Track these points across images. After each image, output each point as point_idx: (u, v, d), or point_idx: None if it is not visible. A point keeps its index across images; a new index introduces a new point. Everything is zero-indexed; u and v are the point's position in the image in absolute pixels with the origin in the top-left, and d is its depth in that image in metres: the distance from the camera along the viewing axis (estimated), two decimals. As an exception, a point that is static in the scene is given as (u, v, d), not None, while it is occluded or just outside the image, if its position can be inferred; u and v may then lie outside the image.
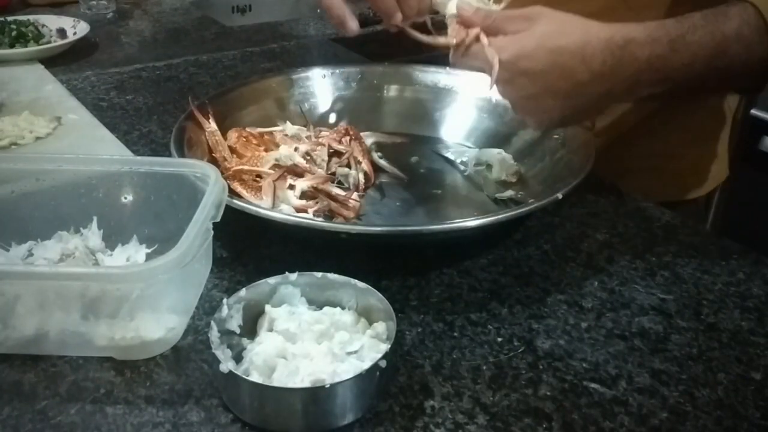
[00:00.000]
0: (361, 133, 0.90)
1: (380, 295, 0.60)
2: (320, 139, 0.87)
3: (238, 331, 0.59)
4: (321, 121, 0.97)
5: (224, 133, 0.86)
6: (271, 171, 0.79)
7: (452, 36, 0.75)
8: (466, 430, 0.54)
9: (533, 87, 0.71)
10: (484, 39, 0.72)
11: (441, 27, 0.78)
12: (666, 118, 0.95)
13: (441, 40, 0.76)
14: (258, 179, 0.79)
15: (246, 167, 0.80)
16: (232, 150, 0.84)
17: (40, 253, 0.68)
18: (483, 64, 0.72)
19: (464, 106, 0.97)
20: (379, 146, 0.92)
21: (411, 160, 0.92)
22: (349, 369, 0.54)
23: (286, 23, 1.57)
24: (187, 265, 0.57)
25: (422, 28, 0.80)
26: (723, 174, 1.04)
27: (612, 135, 0.93)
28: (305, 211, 0.75)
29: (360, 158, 0.86)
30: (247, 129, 0.88)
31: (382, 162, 0.89)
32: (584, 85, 0.70)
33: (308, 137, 0.89)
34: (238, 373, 0.53)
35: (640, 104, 0.93)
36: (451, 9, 0.76)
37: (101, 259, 0.69)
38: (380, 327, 0.59)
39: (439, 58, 0.82)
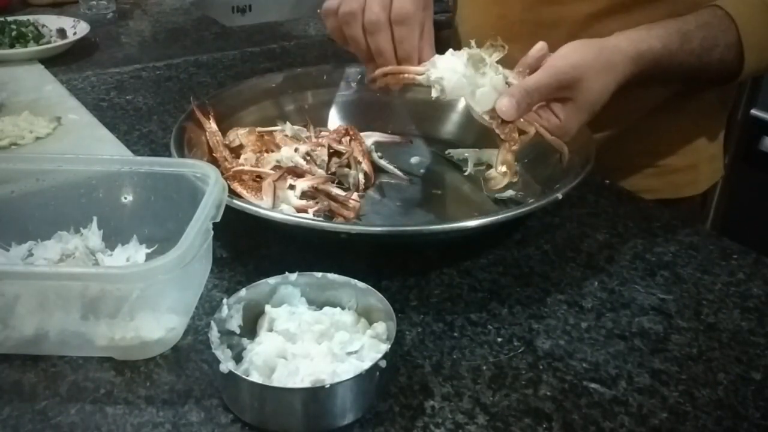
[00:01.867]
0: (361, 133, 0.90)
1: (380, 295, 0.60)
2: (320, 140, 0.87)
3: (238, 331, 0.59)
4: (321, 121, 0.97)
5: (224, 133, 0.86)
6: (271, 171, 0.79)
7: (507, 138, 0.75)
8: (466, 430, 0.54)
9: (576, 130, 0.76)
10: (545, 134, 0.74)
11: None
12: (661, 116, 0.96)
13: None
14: (258, 179, 0.79)
15: (246, 167, 0.80)
16: (232, 150, 0.84)
17: (40, 253, 0.68)
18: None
19: (464, 106, 0.97)
20: (379, 146, 0.92)
21: (411, 160, 0.92)
22: (349, 369, 0.54)
23: (286, 23, 1.57)
24: (187, 265, 0.57)
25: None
26: (718, 173, 1.05)
27: (607, 134, 0.94)
28: (305, 211, 0.75)
29: (360, 158, 0.86)
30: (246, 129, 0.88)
31: (382, 162, 0.89)
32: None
33: (308, 137, 0.89)
34: (238, 373, 0.53)
35: (634, 104, 0.94)
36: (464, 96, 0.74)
37: (101, 259, 0.69)
38: (380, 327, 0.59)
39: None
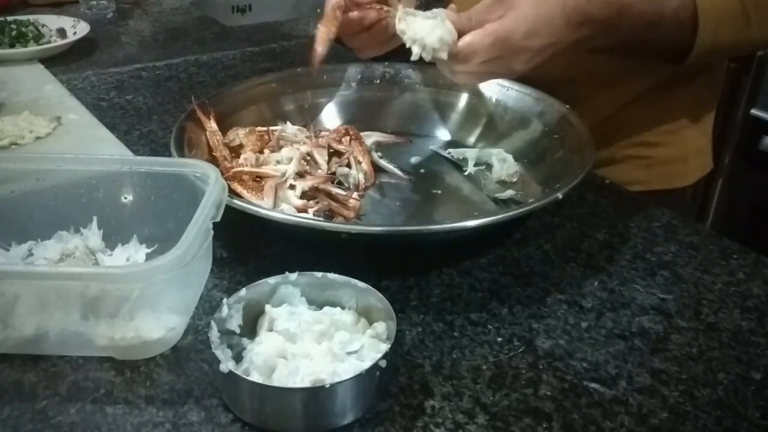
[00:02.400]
0: (361, 133, 0.90)
1: (380, 295, 0.60)
2: (320, 140, 0.87)
3: (238, 331, 0.59)
4: (321, 121, 0.97)
5: (224, 133, 0.86)
6: (272, 173, 0.79)
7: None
8: (466, 430, 0.54)
9: (525, 42, 0.74)
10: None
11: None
12: (649, 107, 0.97)
13: None
14: (258, 179, 0.79)
15: (246, 168, 0.80)
16: (232, 150, 0.84)
17: (40, 253, 0.68)
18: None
19: (464, 106, 0.97)
20: (379, 146, 0.92)
21: (411, 160, 0.92)
22: (349, 369, 0.54)
23: (286, 23, 1.57)
24: (187, 265, 0.57)
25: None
26: (708, 166, 1.06)
27: (593, 124, 0.94)
28: (306, 211, 0.75)
29: (360, 158, 0.86)
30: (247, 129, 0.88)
31: (382, 162, 0.89)
32: (563, 37, 0.75)
33: (308, 137, 0.89)
34: (238, 373, 0.53)
35: (617, 90, 0.96)
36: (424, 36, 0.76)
37: (101, 259, 0.69)
38: (380, 327, 0.59)
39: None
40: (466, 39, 0.74)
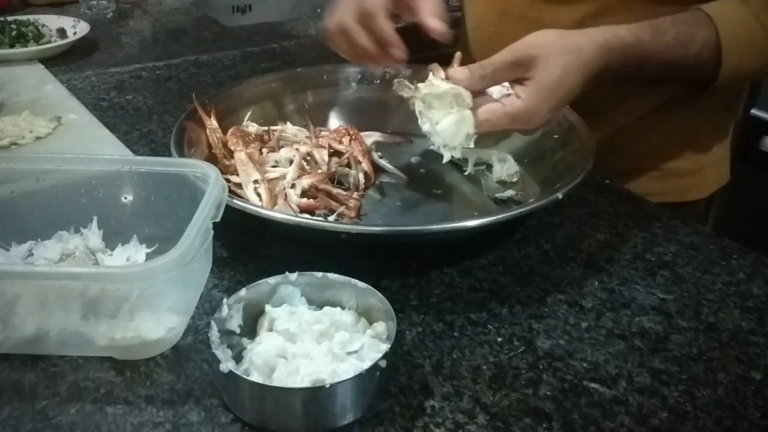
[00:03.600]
0: (361, 133, 0.90)
1: (380, 295, 0.60)
2: (320, 140, 0.87)
3: (238, 331, 0.59)
4: (321, 121, 0.97)
5: (224, 133, 0.86)
6: (273, 172, 0.79)
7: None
8: (466, 430, 0.54)
9: (545, 117, 0.76)
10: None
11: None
12: (665, 119, 0.96)
13: None
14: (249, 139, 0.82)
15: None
16: (226, 149, 0.84)
17: (40, 253, 0.68)
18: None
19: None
20: (379, 146, 0.92)
21: (411, 160, 0.92)
22: (349, 369, 0.54)
23: (286, 23, 1.57)
24: (187, 265, 0.57)
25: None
26: (724, 178, 1.04)
27: (609, 135, 0.94)
28: (309, 209, 0.75)
29: (360, 158, 0.86)
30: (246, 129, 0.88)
31: (382, 162, 0.89)
32: (579, 94, 0.76)
33: (308, 137, 0.89)
34: (238, 373, 0.53)
35: (632, 103, 0.95)
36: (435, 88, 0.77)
37: (101, 259, 0.69)
38: (380, 327, 0.59)
39: (438, 57, 0.82)
40: (484, 115, 0.74)
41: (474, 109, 0.75)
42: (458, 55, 0.80)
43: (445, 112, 0.76)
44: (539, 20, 0.93)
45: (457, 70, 0.75)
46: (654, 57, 0.78)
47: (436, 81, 0.76)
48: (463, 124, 0.75)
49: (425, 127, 0.79)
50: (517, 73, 0.73)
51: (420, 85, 0.77)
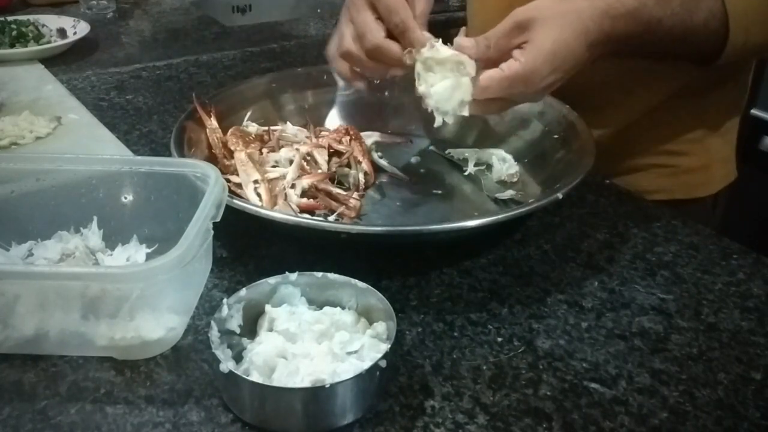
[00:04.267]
0: (361, 133, 0.90)
1: (380, 295, 0.60)
2: (320, 140, 0.87)
3: (238, 331, 0.59)
4: (321, 121, 0.97)
5: (224, 133, 0.86)
6: (273, 171, 0.79)
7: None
8: (466, 430, 0.54)
9: (545, 81, 0.73)
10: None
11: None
12: (672, 115, 0.96)
13: None
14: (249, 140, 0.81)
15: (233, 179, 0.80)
16: (226, 149, 0.84)
17: (40, 253, 0.68)
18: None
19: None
20: (379, 146, 0.92)
21: (411, 160, 0.92)
22: (349, 369, 0.54)
23: (286, 23, 1.57)
24: (187, 265, 0.57)
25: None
26: (731, 175, 1.04)
27: (615, 130, 0.94)
28: (309, 209, 0.75)
29: (360, 158, 0.86)
30: (246, 129, 0.88)
31: (382, 162, 0.89)
32: (583, 62, 0.74)
33: (308, 137, 0.89)
34: (238, 373, 0.53)
35: (641, 99, 0.94)
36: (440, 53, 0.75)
37: (101, 259, 0.69)
38: (380, 327, 0.59)
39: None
40: (484, 82, 0.72)
41: (475, 79, 0.74)
42: (464, 29, 0.79)
43: (442, 76, 0.75)
44: None
45: (464, 39, 0.74)
46: (660, 23, 0.76)
47: (440, 46, 0.75)
48: (459, 90, 0.74)
49: (421, 88, 0.76)
50: (518, 37, 0.72)
51: (423, 49, 0.76)
